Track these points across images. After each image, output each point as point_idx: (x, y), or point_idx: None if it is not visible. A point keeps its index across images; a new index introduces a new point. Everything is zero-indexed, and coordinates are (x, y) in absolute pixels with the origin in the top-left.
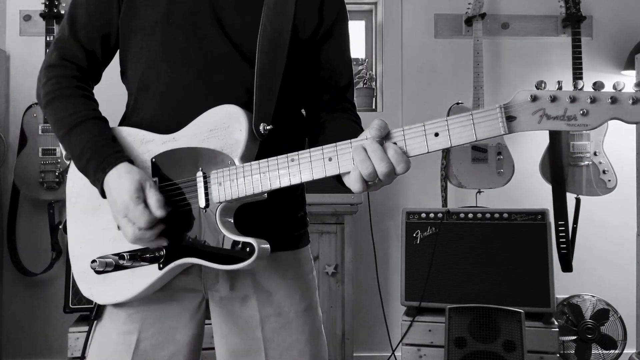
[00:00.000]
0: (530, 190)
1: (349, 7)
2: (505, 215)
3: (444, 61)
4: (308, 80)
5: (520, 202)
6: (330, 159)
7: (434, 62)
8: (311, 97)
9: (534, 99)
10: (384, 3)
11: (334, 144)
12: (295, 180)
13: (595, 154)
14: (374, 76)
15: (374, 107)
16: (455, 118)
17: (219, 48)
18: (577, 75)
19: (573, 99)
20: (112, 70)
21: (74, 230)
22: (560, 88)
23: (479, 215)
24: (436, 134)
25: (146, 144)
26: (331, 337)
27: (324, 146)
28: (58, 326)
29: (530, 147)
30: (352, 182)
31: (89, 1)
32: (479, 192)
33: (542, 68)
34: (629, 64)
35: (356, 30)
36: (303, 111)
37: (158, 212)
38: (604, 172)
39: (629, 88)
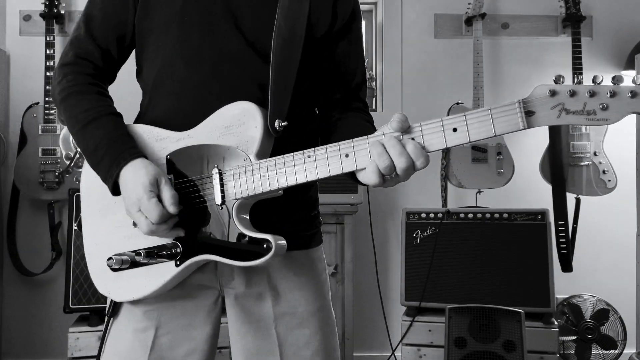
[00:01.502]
0: (530, 190)
1: None
2: (505, 215)
3: (444, 61)
4: (321, 78)
5: (520, 202)
6: (347, 155)
7: (434, 62)
8: (323, 95)
9: (553, 93)
10: (384, 3)
11: (350, 140)
12: (312, 177)
13: (595, 154)
14: (374, 76)
15: (374, 107)
16: (473, 113)
17: (234, 45)
18: (577, 75)
19: (593, 93)
20: (126, 69)
21: (89, 228)
22: (579, 83)
23: (479, 215)
24: (454, 129)
25: (161, 141)
26: None
27: (340, 142)
28: (58, 326)
29: (530, 147)
30: (369, 175)
31: (105, 0)
32: (479, 192)
33: (542, 68)
34: (629, 64)
35: None
36: (316, 109)
37: (171, 208)
38: (604, 172)
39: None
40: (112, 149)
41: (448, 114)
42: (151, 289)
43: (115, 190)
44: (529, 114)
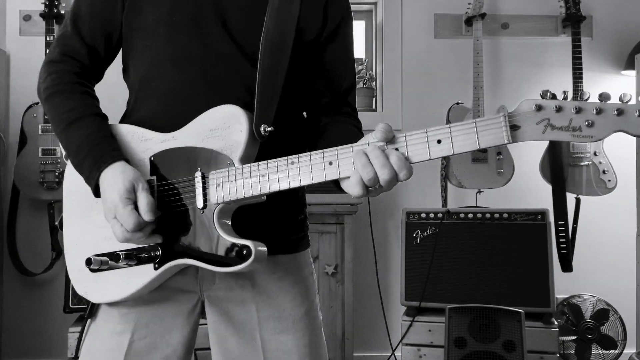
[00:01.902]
0: (530, 190)
1: None
2: (505, 215)
3: (444, 61)
4: (310, 82)
5: (520, 202)
6: (330, 163)
7: (434, 62)
8: (312, 100)
9: (539, 108)
10: (384, 3)
11: (335, 148)
12: (295, 184)
13: (595, 154)
14: (374, 76)
15: (374, 107)
16: (458, 125)
17: (222, 47)
18: (577, 75)
19: (579, 110)
20: (114, 68)
21: (70, 228)
22: (565, 98)
23: (479, 215)
24: (439, 141)
25: (145, 142)
26: (331, 337)
27: (324, 150)
28: (58, 326)
29: (530, 147)
30: (352, 186)
31: None
32: (479, 192)
33: (542, 68)
34: (629, 64)
35: (356, 30)
36: (305, 114)
37: (146, 215)
38: (604, 172)
39: (629, 89)
40: (93, 151)
41: (448, 114)
42: (129, 291)
43: (97, 193)
44: (514, 128)
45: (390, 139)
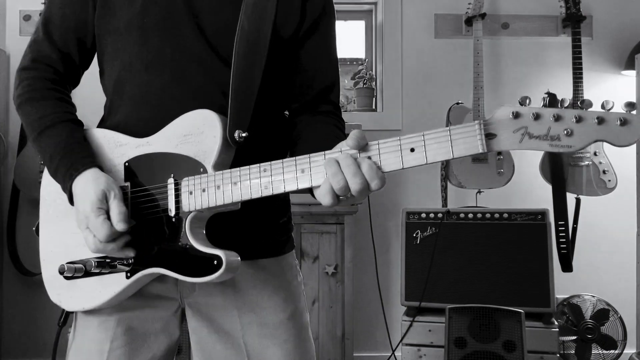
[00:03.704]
0: (530, 190)
1: (348, 7)
2: (505, 215)
3: (444, 61)
4: (289, 81)
5: (520, 202)
6: (302, 171)
7: (434, 62)
8: (293, 99)
9: (516, 116)
10: (384, 3)
11: (308, 155)
12: (267, 193)
13: (595, 154)
14: (374, 76)
15: (374, 107)
16: (432, 133)
17: (195, 49)
18: (577, 75)
19: (557, 118)
20: (94, 71)
21: (45, 233)
22: (546, 105)
23: (479, 215)
24: (412, 149)
25: (120, 147)
26: (331, 337)
27: (297, 157)
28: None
29: None
30: (322, 195)
31: (63, 1)
32: (479, 192)
33: (542, 68)
34: (629, 64)
35: (356, 30)
36: (287, 112)
37: (119, 225)
38: (604, 172)
39: (629, 89)
40: (65, 159)
41: (448, 114)
42: (102, 299)
43: (72, 201)
44: (489, 136)
45: (363, 147)
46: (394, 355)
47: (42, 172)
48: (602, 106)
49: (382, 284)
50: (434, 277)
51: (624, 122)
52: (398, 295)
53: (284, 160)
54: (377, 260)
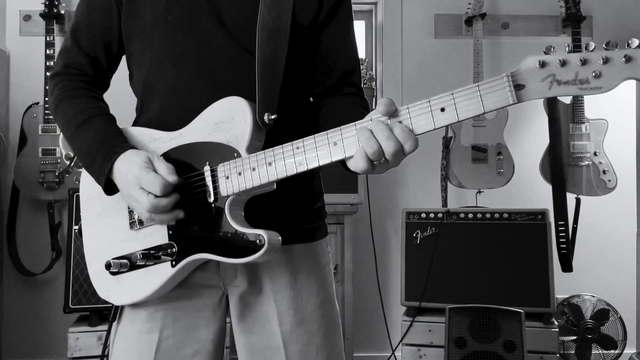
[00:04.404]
0: (530, 190)
1: None
2: (505, 215)
3: (444, 61)
4: (312, 66)
5: (520, 202)
6: (335, 144)
7: (434, 62)
8: (316, 84)
9: (543, 64)
10: (384, 3)
11: (339, 128)
12: (302, 169)
13: (595, 154)
14: (374, 76)
15: (373, 107)
16: (461, 91)
17: (219, 41)
18: None
19: (584, 62)
20: (120, 77)
21: (88, 233)
22: (571, 51)
23: (479, 215)
24: (442, 109)
25: (154, 141)
26: None
27: (328, 131)
28: (58, 326)
29: (530, 147)
30: (357, 161)
31: (90, 9)
32: (479, 192)
33: None
34: None
35: (356, 31)
36: (312, 99)
37: (170, 177)
38: (604, 172)
39: (630, 88)
40: (104, 146)
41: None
42: (149, 290)
43: (108, 188)
44: (518, 87)
45: (392, 112)
46: (394, 355)
47: (42, 172)
48: (628, 45)
49: (382, 284)
50: (434, 277)
51: None
52: (398, 295)
53: (316, 135)
54: (377, 260)
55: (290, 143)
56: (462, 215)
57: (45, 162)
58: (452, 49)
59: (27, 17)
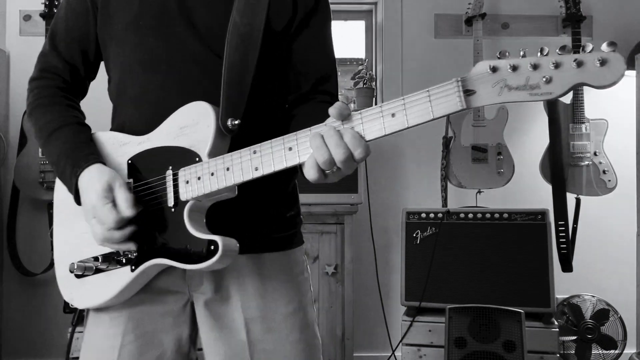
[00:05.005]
0: (530, 190)
1: (348, 7)
2: (505, 215)
3: (444, 61)
4: (286, 73)
5: (520, 202)
6: (290, 149)
7: (434, 62)
8: (289, 90)
9: (494, 69)
10: (384, 3)
11: (295, 133)
12: (258, 174)
13: (595, 154)
14: (374, 76)
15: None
16: (412, 96)
17: (189, 46)
18: None
19: (535, 66)
20: (103, 83)
21: (58, 236)
22: (524, 56)
23: (479, 215)
24: (393, 115)
25: (123, 146)
26: (331, 337)
27: (285, 136)
28: (58, 326)
29: (530, 147)
30: (307, 170)
31: (67, 15)
32: (479, 192)
33: None
34: (629, 64)
35: (356, 30)
36: (287, 105)
37: (127, 211)
38: (604, 172)
39: (629, 89)
40: (70, 158)
41: (448, 115)
42: (110, 295)
43: (78, 199)
44: (468, 92)
45: (346, 117)
46: (394, 355)
47: (42, 172)
48: (583, 49)
49: (382, 283)
50: (434, 277)
51: (603, 62)
52: (398, 295)
53: (273, 140)
54: (377, 260)
55: (249, 147)
56: (462, 215)
57: (45, 162)
58: (452, 49)
59: (27, 17)
